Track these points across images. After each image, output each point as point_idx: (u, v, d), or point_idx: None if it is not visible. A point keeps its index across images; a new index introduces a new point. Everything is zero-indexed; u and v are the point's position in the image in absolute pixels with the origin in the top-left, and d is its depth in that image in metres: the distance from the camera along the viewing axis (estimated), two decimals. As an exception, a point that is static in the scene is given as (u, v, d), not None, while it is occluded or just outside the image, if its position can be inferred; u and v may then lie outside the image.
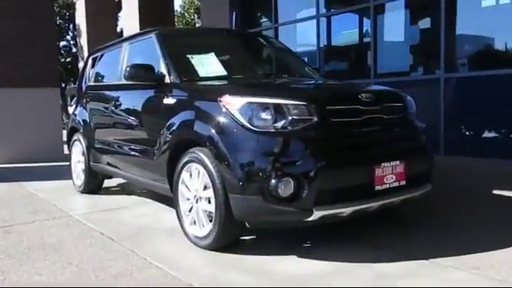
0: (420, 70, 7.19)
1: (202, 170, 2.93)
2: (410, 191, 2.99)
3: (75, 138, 5.13)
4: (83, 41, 17.71)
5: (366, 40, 8.06)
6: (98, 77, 4.94)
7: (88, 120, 4.83)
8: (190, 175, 3.09)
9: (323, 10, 8.50)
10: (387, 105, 3.04)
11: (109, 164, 4.45)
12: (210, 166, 2.84)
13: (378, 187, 2.81)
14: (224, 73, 3.54)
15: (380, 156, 2.84)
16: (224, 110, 2.84)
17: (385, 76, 7.41)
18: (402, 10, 7.43)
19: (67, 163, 8.01)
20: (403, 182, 2.92)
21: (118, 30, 20.81)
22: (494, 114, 6.02)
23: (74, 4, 18.39)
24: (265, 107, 2.74)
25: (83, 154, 4.93)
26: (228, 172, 2.73)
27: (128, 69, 3.53)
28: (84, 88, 5.17)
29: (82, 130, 4.95)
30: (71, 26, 24.43)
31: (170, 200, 3.57)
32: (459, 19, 6.61)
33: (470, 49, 6.64)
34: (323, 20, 8.44)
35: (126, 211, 4.16)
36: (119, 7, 22.12)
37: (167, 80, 3.48)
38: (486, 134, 6.21)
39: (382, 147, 2.93)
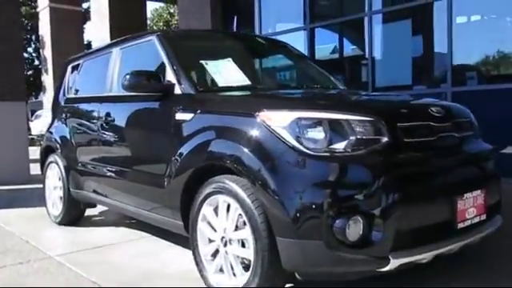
0: (424, 83, 6.78)
1: (234, 205, 2.29)
2: (488, 226, 2.44)
3: (51, 159, 4.36)
4: (47, 52, 16.71)
5: (360, 53, 7.63)
6: (81, 88, 4.21)
7: (68, 138, 4.08)
8: (215, 210, 2.44)
9: (308, 23, 8.01)
10: (457, 120, 2.51)
11: (95, 192, 3.72)
12: (248, 200, 2.20)
13: (460, 224, 2.24)
14: (247, 82, 2.92)
15: (461, 185, 2.28)
16: (264, 127, 2.22)
17: (383, 90, 6.96)
18: (402, 19, 7.03)
19: (35, 186, 7.34)
20: (484, 216, 2.38)
21: (85, 41, 19.84)
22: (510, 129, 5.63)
23: (37, 14, 17.35)
24: (321, 124, 2.13)
25: (61, 178, 4.16)
26: (275, 208, 2.09)
27: (128, 77, 2.85)
28: (62, 101, 4.42)
29: (60, 151, 4.19)
30: (33, 36, 23.18)
31: (171, 234, 2.94)
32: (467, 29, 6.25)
33: (480, 61, 6.28)
34: (306, 33, 7.97)
35: (119, 249, 3.43)
36: (86, 18, 21.19)
37: (177, 90, 2.83)
38: (505, 151, 5.81)
39: (461, 173, 2.37)
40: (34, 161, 8.19)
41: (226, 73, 2.94)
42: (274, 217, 2.11)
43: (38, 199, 5.65)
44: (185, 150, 2.60)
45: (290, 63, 3.75)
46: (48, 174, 4.45)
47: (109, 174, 3.43)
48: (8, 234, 3.98)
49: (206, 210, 2.48)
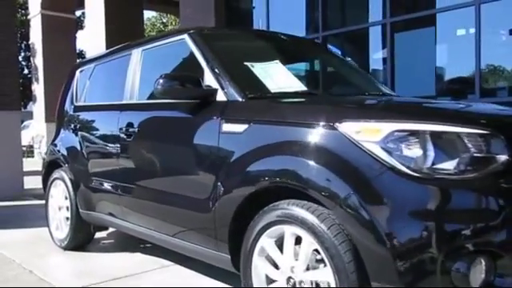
0: (449, 93, 6.43)
1: (308, 238, 1.84)
2: None
3: (56, 175, 3.86)
4: (38, 61, 16.14)
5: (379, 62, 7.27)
6: (93, 95, 3.73)
7: (78, 152, 3.58)
8: (278, 243, 1.99)
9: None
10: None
11: (112, 214, 3.23)
12: (328, 233, 1.75)
13: None
14: (302, 87, 2.48)
15: None
16: (348, 141, 1.78)
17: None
18: (425, 27, 6.69)
19: (30, 202, 6.78)
20: None
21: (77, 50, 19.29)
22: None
23: (28, 21, 16.82)
24: (426, 138, 1.70)
25: (68, 197, 3.66)
26: (371, 243, 1.65)
27: (161, 81, 2.40)
28: (70, 110, 3.93)
29: (67, 166, 3.69)
30: (23, 44, 22.56)
31: (195, 261, 2.53)
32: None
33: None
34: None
35: (140, 281, 2.94)
36: (77, 27, 20.67)
37: (220, 97, 2.38)
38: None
39: None
40: (25, 174, 7.70)
41: (276, 77, 2.50)
42: (368, 255, 1.67)
43: (35, 218, 5.15)
44: (237, 168, 2.14)
45: (337, 67, 3.31)
46: (52, 192, 3.95)
47: (131, 194, 2.94)
48: (7, 262, 3.47)
49: (266, 242, 2.02)
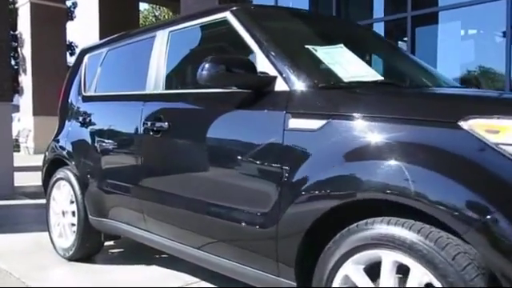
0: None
1: (419, 268, 1.41)
2: None
3: (60, 175, 3.37)
4: (26, 51, 15.45)
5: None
6: (107, 83, 3.24)
7: (89, 149, 3.09)
8: (369, 272, 1.56)
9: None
10: None
11: (130, 223, 2.76)
12: (453, 264, 1.33)
13: None
14: (378, 77, 2.04)
15: None
16: (480, 142, 1.36)
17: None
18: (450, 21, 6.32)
19: (22, 201, 6.20)
20: None
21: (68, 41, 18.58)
22: None
23: (16, 10, 16.09)
24: None
25: (75, 201, 3.18)
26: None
27: (207, 66, 1.94)
28: (77, 101, 3.43)
29: (74, 164, 3.21)
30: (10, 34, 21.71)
31: (228, 279, 2.11)
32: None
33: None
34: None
35: (167, 305, 2.49)
36: (67, 18, 19.96)
37: (280, 86, 1.94)
38: None
39: None
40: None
41: (346, 63, 2.06)
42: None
43: (31, 221, 4.66)
44: (312, 174, 1.70)
45: (397, 56, 2.87)
46: (54, 194, 3.46)
47: (158, 201, 2.47)
48: (4, 275, 2.98)
49: (352, 270, 1.59)
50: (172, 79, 2.62)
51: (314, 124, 1.74)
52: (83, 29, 13.06)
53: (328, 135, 1.70)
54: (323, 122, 1.72)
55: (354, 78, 1.97)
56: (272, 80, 1.96)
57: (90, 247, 3.22)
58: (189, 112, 2.35)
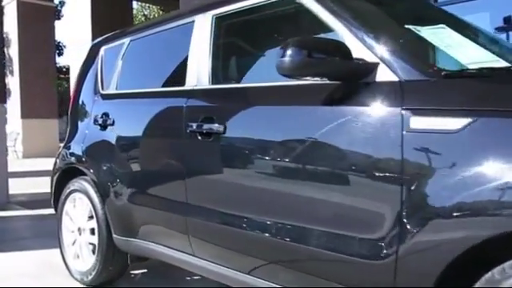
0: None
1: None
2: None
3: (74, 186, 2.90)
4: (13, 51, 14.78)
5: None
6: (132, 79, 2.77)
7: (113, 156, 2.63)
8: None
9: None
10: None
11: (168, 246, 2.30)
12: None
13: None
14: (499, 61, 1.63)
15: None
16: None
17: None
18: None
19: (19, 212, 5.65)
20: None
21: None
22: None
23: (1, 8, 15.42)
24: None
25: (96, 217, 2.72)
26: None
27: (289, 51, 1.51)
28: (94, 101, 2.95)
29: (93, 173, 2.74)
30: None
31: None
32: None
33: None
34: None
35: None
36: (55, 16, 19.29)
37: (385, 75, 1.51)
38: None
39: None
40: None
41: (458, 46, 1.64)
42: None
43: (33, 236, 4.18)
44: (455, 191, 1.27)
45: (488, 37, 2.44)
46: (68, 208, 2.99)
47: (212, 220, 2.01)
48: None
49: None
50: (220, 72, 2.17)
51: (452, 123, 1.31)
52: (71, 28, 12.43)
53: (477, 138, 1.27)
54: (466, 120, 1.29)
55: (477, 64, 1.55)
56: (373, 68, 1.54)
57: (113, 271, 2.76)
58: (255, 111, 1.89)
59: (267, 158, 1.79)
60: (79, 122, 3.06)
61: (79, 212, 2.89)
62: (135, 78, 2.75)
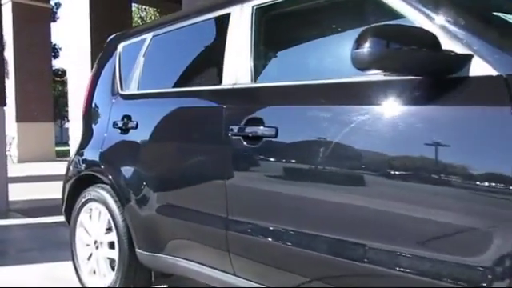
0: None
1: None
2: None
3: (91, 195, 2.65)
4: (8, 54, 14.45)
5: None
6: (156, 78, 2.53)
7: (136, 163, 2.38)
8: None
9: None
10: None
11: (203, 263, 2.05)
12: None
13: None
14: None
15: None
16: None
17: None
18: None
19: (19, 220, 5.30)
20: None
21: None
22: None
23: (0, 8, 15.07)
24: None
25: (115, 229, 2.47)
26: None
27: (368, 42, 1.28)
28: (112, 102, 2.70)
29: (113, 181, 2.49)
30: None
31: None
32: None
33: None
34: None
35: None
36: (51, 18, 18.98)
37: (480, 69, 1.28)
38: None
39: None
40: None
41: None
42: None
43: (37, 247, 3.92)
44: None
45: None
46: (83, 219, 2.73)
47: (262, 237, 1.76)
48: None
49: None
50: (266, 68, 1.94)
51: None
52: (69, 30, 12.14)
53: None
54: None
55: None
56: (466, 61, 1.31)
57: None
58: (318, 112, 1.63)
59: (331, 166, 1.55)
60: (94, 126, 2.82)
61: (96, 224, 2.64)
62: (160, 76, 2.51)
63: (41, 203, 6.31)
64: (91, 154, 2.72)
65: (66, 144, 28.10)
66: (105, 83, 2.84)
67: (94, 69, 2.99)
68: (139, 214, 2.32)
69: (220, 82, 2.02)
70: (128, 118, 2.48)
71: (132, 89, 2.59)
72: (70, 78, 12.06)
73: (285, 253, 1.70)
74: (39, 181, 8.84)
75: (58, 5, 20.57)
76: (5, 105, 5.80)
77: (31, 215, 5.42)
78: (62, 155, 16.55)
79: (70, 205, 2.85)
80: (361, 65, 1.33)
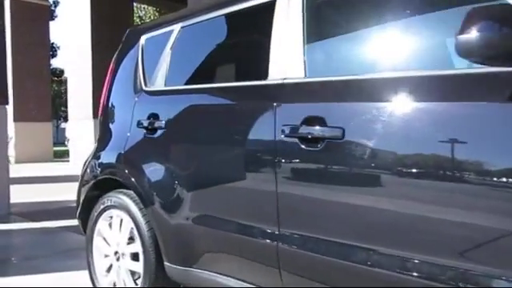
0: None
1: None
2: None
3: (111, 202, 2.41)
4: (6, 52, 14.16)
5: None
6: (186, 73, 2.29)
7: (169, 165, 2.14)
8: None
9: None
10: None
11: (247, 281, 1.82)
12: None
13: None
14: None
15: None
16: None
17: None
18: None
19: (21, 225, 4.92)
20: None
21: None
22: None
23: (2, 4, 14.76)
24: None
25: (139, 238, 2.23)
26: None
27: (477, 26, 1.07)
28: (134, 99, 2.46)
29: (137, 184, 2.25)
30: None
31: None
32: None
33: None
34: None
35: None
36: (50, 15, 18.68)
37: None
38: None
39: None
40: None
41: None
42: None
43: (44, 254, 3.68)
44: None
45: None
46: (101, 227, 2.49)
47: (323, 252, 1.53)
48: None
49: None
50: (323, 59, 1.72)
51: None
52: (68, 29, 11.87)
53: None
54: None
55: None
56: None
57: (162, 305, 2.27)
58: (401, 110, 1.39)
59: (411, 177, 1.32)
60: (114, 127, 2.58)
61: (116, 233, 2.41)
62: (191, 71, 2.28)
63: (42, 206, 6.07)
64: (111, 157, 2.48)
65: (63, 144, 27.77)
66: (125, 80, 2.60)
67: (111, 64, 2.75)
68: (170, 224, 2.08)
69: (265, 77, 1.80)
70: (155, 116, 2.24)
71: (158, 85, 2.35)
72: (70, 78, 11.80)
73: (349, 272, 1.47)
74: (38, 182, 8.57)
75: (56, 3, 20.26)
76: (7, 103, 5.52)
77: (33, 219, 5.17)
78: (60, 156, 16.27)
79: (86, 211, 2.61)
80: (467, 53, 1.11)
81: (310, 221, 1.59)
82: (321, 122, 1.54)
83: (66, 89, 32.41)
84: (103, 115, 2.69)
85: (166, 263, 2.13)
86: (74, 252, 3.59)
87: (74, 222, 4.84)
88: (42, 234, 4.45)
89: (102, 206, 2.48)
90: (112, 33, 12.29)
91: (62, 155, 17.07)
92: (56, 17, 20.73)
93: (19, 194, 6.42)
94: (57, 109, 30.46)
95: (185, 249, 2.05)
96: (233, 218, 1.85)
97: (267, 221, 1.70)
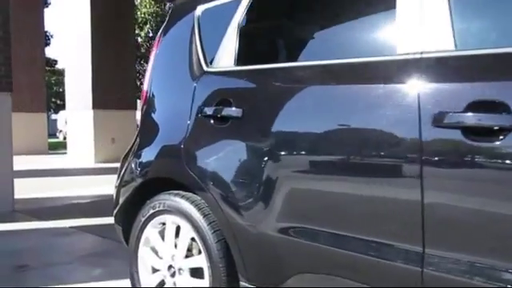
0: None
1: None
2: None
3: (165, 205, 1.99)
4: (-2, 41, 13.55)
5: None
6: (268, 50, 1.88)
7: (250, 165, 1.72)
8: None
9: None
10: None
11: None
12: None
13: None
14: None
15: None
16: None
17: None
18: None
19: (29, 224, 4.43)
20: None
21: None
22: None
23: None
24: None
25: (205, 251, 1.82)
26: None
27: None
28: (194, 83, 2.03)
29: (201, 183, 1.83)
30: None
31: None
32: None
33: None
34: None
35: None
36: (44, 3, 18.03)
37: None
38: None
39: None
40: None
41: None
42: None
43: (61, 260, 3.30)
44: None
45: None
46: (149, 236, 2.07)
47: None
48: None
49: None
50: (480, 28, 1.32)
51: None
52: (65, 16, 11.30)
53: None
54: None
55: None
56: None
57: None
58: None
59: None
60: (164, 117, 2.15)
61: (171, 243, 1.99)
62: (274, 46, 1.85)
63: (47, 203, 5.62)
64: (163, 154, 2.06)
65: (54, 136, 27.02)
66: (176, 61, 2.18)
67: (155, 46, 2.31)
68: (252, 235, 1.67)
69: (392, 50, 1.39)
70: (226, 103, 1.82)
71: (225, 65, 1.93)
72: (68, 66, 11.25)
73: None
74: (37, 176, 8.09)
75: (49, -11, 19.61)
76: (11, 90, 5.05)
77: (40, 217, 4.72)
78: (54, 148, 15.71)
79: (128, 216, 2.19)
80: None
81: (471, 240, 1.20)
82: (498, 107, 1.14)
83: (57, 79, 31.51)
84: (147, 105, 2.26)
85: (241, 282, 1.73)
86: (98, 259, 3.17)
87: (86, 221, 4.45)
88: (54, 235, 4.01)
89: (151, 211, 2.06)
90: (113, 20, 11.77)
91: (57, 147, 16.51)
92: (49, 4, 20.02)
93: (20, 189, 5.95)
94: (48, 100, 29.70)
95: (272, 266, 1.65)
96: (347, 232, 1.44)
97: (405, 237, 1.30)
